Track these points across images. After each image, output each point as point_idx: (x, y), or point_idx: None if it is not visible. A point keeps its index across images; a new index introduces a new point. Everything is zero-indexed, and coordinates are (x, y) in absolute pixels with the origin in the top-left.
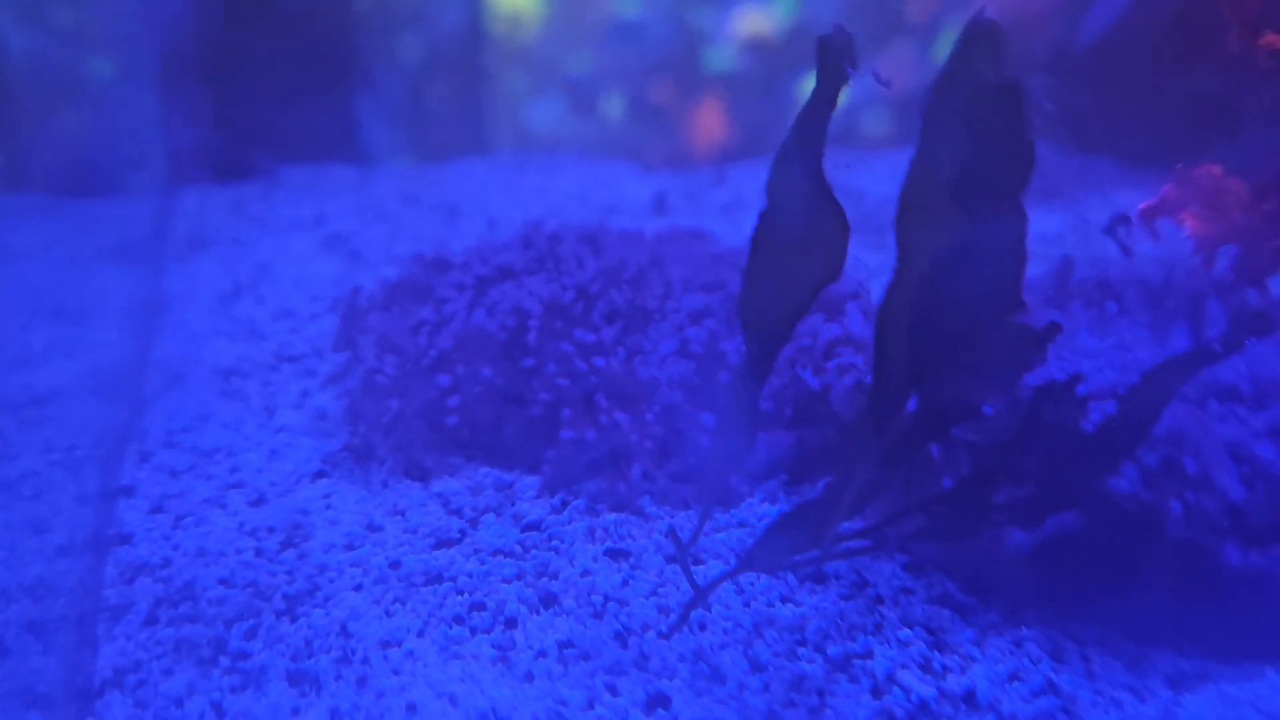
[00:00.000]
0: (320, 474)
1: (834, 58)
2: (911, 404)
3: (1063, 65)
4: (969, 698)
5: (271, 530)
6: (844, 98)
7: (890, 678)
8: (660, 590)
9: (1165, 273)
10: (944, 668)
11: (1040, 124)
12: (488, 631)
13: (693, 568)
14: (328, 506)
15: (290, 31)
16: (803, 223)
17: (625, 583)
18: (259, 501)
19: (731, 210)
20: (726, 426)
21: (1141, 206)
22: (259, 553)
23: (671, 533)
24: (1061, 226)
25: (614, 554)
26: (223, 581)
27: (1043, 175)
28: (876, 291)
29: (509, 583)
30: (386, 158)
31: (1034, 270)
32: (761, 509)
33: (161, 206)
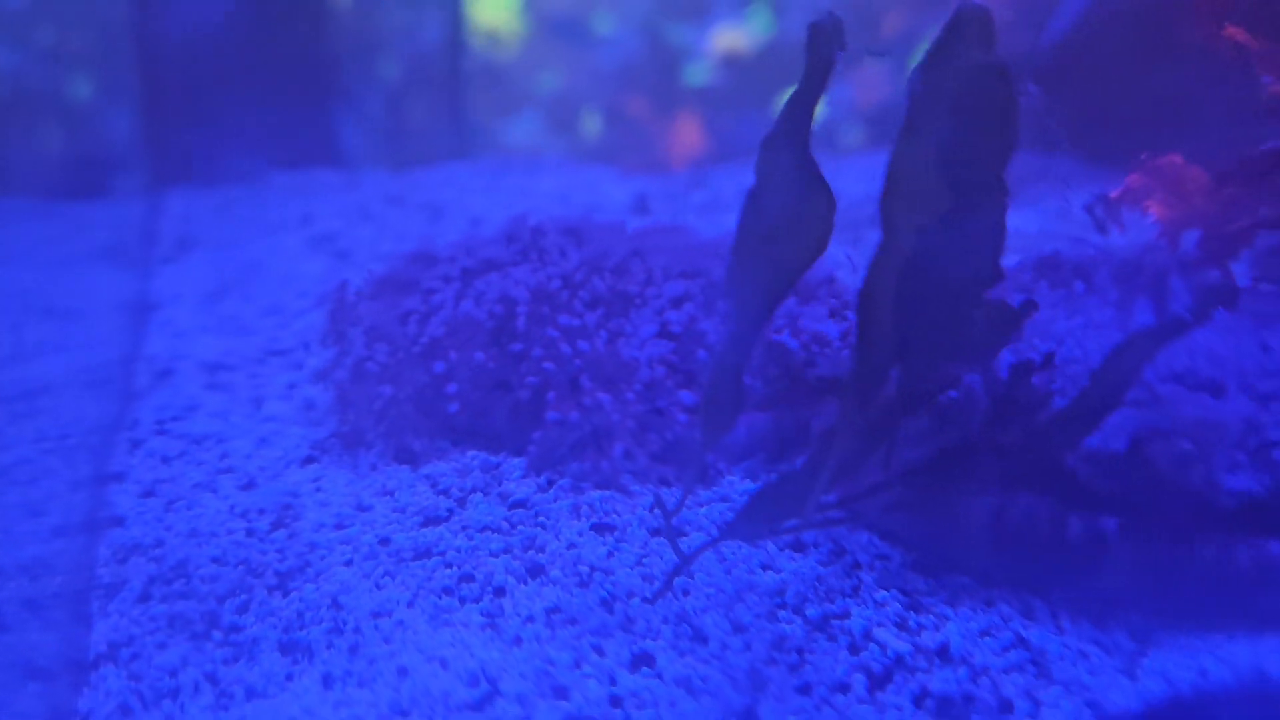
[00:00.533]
0: (309, 459)
1: (823, 42)
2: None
3: (1025, 66)
4: (943, 652)
5: (262, 512)
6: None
7: (867, 635)
8: (644, 560)
9: (1133, 254)
10: (919, 625)
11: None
12: (476, 601)
13: (676, 540)
14: (317, 489)
15: (281, 43)
16: (791, 199)
17: (610, 554)
18: (249, 485)
19: (710, 209)
20: (710, 400)
21: (1113, 195)
22: (250, 533)
23: (657, 500)
24: (1026, 220)
25: (599, 528)
26: (215, 560)
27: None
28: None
29: (496, 556)
30: (371, 166)
31: (1005, 261)
32: (741, 485)
33: (150, 209)
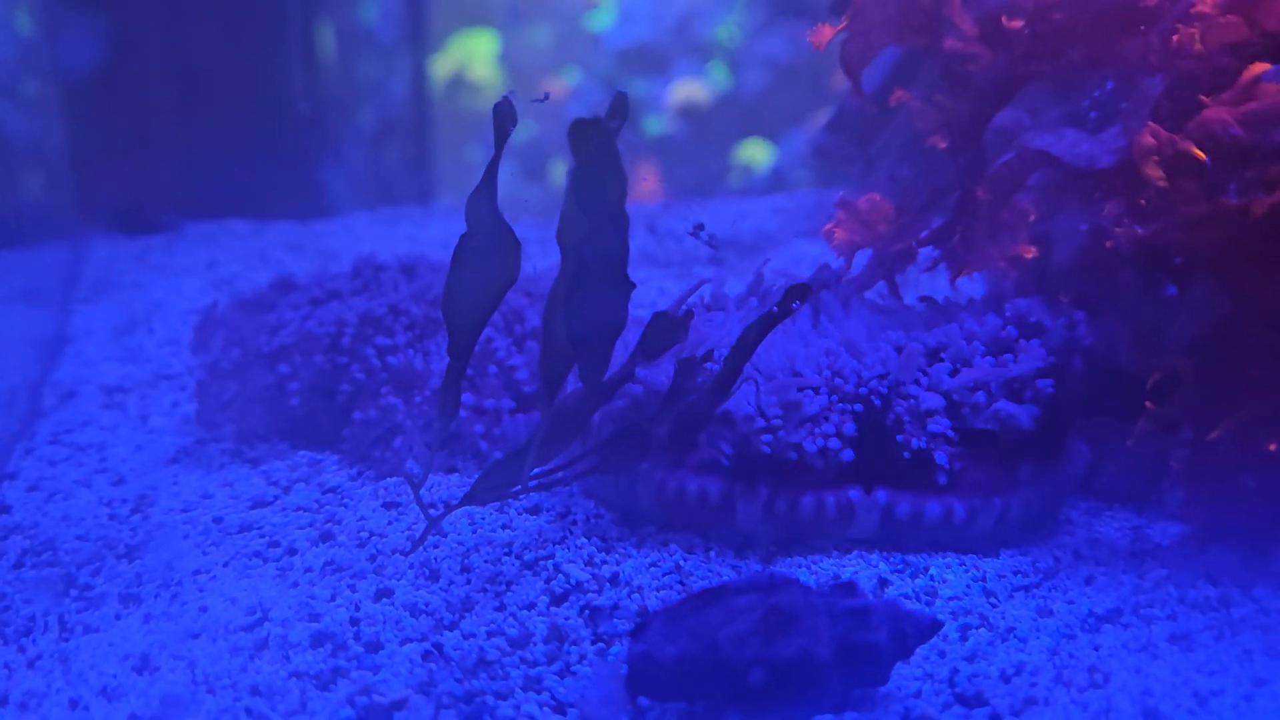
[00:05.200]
0: (174, 461)
1: (502, 121)
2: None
3: (837, 123)
4: (614, 579)
5: (125, 501)
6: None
7: (559, 569)
8: (414, 527)
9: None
10: (603, 561)
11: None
12: (276, 560)
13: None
14: (174, 483)
15: (270, 94)
16: (490, 240)
17: (390, 523)
18: (119, 482)
19: None
20: (440, 397)
21: (825, 228)
22: (112, 517)
23: (406, 475)
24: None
25: (389, 505)
26: (79, 537)
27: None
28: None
29: (302, 529)
30: (351, 211)
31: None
32: None
33: (72, 256)
